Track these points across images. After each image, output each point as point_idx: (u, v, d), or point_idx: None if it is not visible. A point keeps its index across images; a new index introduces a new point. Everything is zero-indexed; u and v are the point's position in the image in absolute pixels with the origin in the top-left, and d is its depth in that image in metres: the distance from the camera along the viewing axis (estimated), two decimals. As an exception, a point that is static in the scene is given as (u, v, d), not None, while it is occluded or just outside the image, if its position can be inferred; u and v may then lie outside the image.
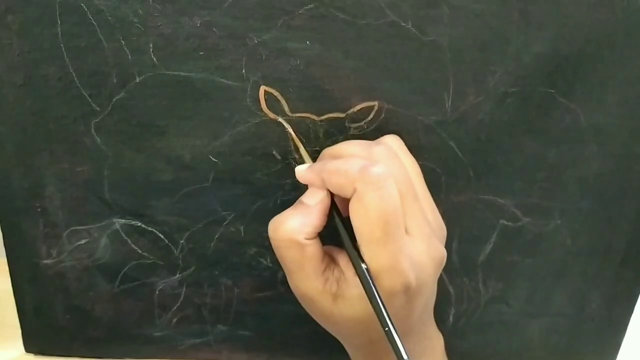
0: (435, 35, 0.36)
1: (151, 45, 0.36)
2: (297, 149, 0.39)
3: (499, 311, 0.47)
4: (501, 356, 0.49)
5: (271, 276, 0.44)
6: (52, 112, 0.38)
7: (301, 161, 0.38)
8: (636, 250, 0.45)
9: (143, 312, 0.46)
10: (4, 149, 0.39)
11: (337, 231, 0.33)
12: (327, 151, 0.37)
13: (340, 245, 0.33)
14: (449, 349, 0.41)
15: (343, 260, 0.33)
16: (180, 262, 0.44)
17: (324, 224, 0.32)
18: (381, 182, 0.29)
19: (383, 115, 0.38)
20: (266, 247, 0.43)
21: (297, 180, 0.40)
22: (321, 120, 0.38)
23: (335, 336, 0.37)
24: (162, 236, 0.42)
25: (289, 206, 0.40)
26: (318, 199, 0.32)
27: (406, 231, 0.31)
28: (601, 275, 0.46)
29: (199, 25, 0.35)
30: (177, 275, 0.44)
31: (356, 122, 0.39)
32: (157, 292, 0.45)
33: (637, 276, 0.46)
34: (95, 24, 0.35)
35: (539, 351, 0.49)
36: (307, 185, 0.35)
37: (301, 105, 0.38)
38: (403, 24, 0.36)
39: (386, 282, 0.30)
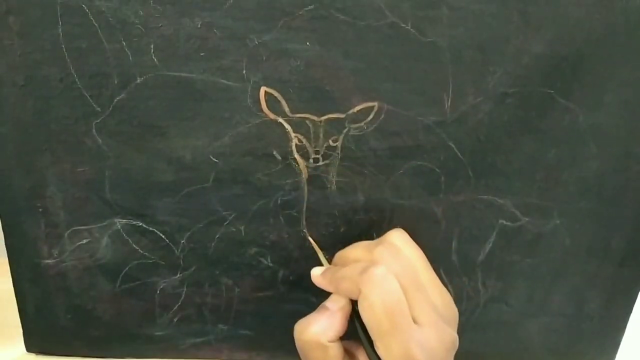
0: (434, 36, 0.36)
1: (152, 46, 0.36)
2: (315, 253, 0.42)
3: (499, 311, 0.47)
4: (501, 356, 0.49)
5: (272, 276, 0.44)
6: (54, 112, 0.38)
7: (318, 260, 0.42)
8: (635, 250, 0.45)
9: (144, 311, 0.46)
10: (6, 150, 0.39)
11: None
12: (338, 255, 0.40)
13: (359, 342, 0.36)
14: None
15: (362, 357, 0.36)
16: (181, 261, 0.44)
17: (346, 327, 0.35)
18: (381, 279, 0.32)
19: (383, 116, 0.38)
20: (266, 246, 0.43)
21: (298, 180, 0.40)
22: (321, 121, 0.39)
23: None
24: (163, 236, 0.43)
25: (289, 206, 0.40)
26: (340, 305, 0.35)
27: (415, 320, 0.33)
28: (600, 275, 0.46)
29: (199, 26, 0.35)
30: (178, 275, 0.44)
31: (356, 123, 0.39)
32: (158, 292, 0.45)
33: (636, 275, 0.46)
34: (96, 25, 0.35)
35: (538, 350, 0.49)
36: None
37: (301, 105, 0.38)
38: (403, 25, 0.36)
39: None
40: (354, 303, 0.36)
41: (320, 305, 0.37)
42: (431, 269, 0.37)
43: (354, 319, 0.36)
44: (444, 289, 0.37)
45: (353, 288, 0.33)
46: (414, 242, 0.38)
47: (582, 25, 0.36)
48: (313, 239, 0.42)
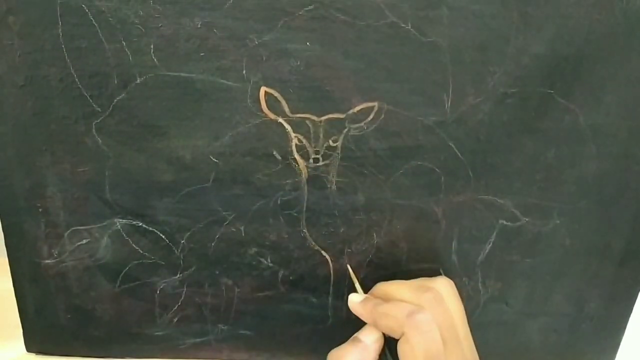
0: (434, 36, 0.36)
1: (152, 46, 0.36)
2: (352, 281, 0.42)
3: (498, 311, 0.47)
4: (500, 355, 0.49)
5: (272, 276, 0.44)
6: (54, 112, 0.38)
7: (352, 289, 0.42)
8: (635, 250, 0.45)
9: (144, 311, 0.46)
10: (6, 150, 0.39)
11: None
12: (380, 288, 0.40)
13: None
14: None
15: None
16: (181, 262, 0.44)
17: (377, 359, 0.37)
18: (426, 327, 0.34)
19: (383, 116, 0.38)
20: (267, 246, 0.43)
21: (298, 180, 0.40)
22: (321, 121, 0.39)
23: None
24: (163, 236, 0.43)
25: (289, 206, 0.40)
26: (374, 338, 0.37)
27: None
28: (600, 275, 0.46)
29: (199, 26, 0.35)
30: (178, 275, 0.44)
31: (356, 123, 0.39)
32: (158, 292, 0.45)
33: (635, 275, 0.46)
34: (96, 25, 0.35)
35: (538, 350, 0.49)
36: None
37: (301, 105, 0.38)
38: (403, 25, 0.36)
39: None
40: (386, 337, 0.37)
41: (352, 337, 0.37)
42: (467, 324, 0.38)
43: (385, 352, 0.37)
44: (473, 344, 0.38)
45: (396, 327, 0.34)
46: (457, 295, 0.39)
47: (582, 26, 0.36)
48: (351, 267, 0.43)
